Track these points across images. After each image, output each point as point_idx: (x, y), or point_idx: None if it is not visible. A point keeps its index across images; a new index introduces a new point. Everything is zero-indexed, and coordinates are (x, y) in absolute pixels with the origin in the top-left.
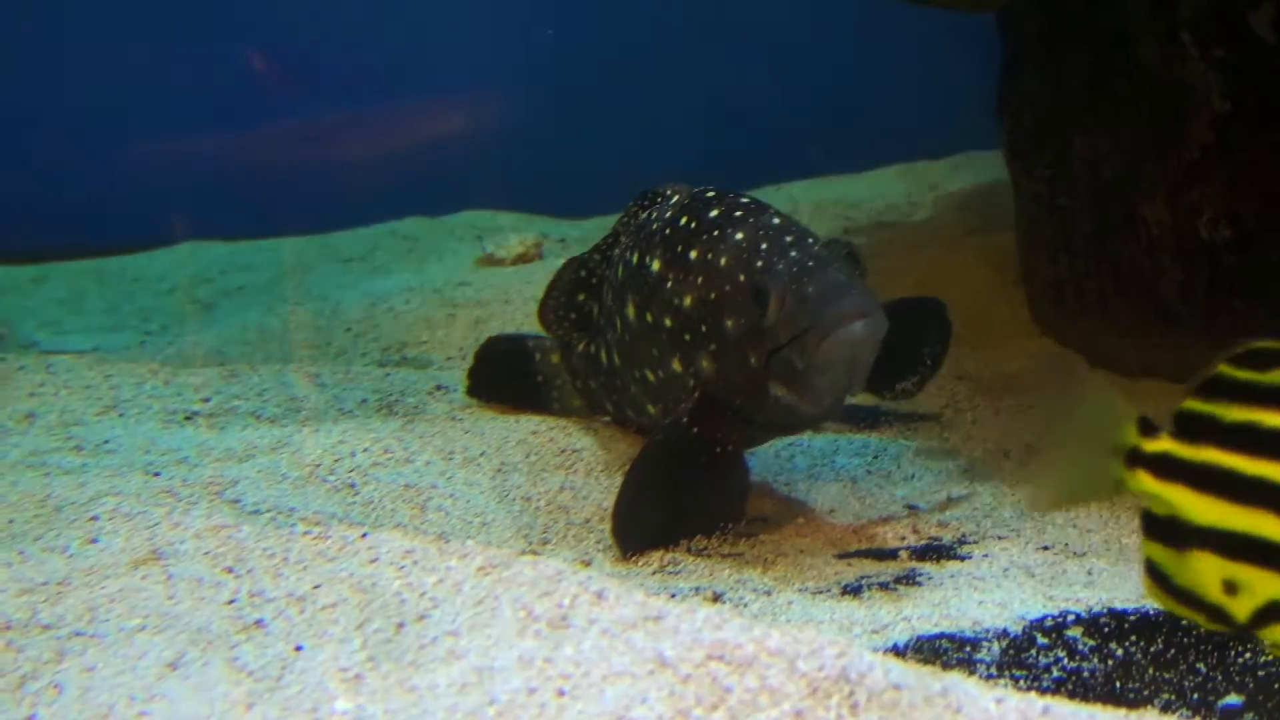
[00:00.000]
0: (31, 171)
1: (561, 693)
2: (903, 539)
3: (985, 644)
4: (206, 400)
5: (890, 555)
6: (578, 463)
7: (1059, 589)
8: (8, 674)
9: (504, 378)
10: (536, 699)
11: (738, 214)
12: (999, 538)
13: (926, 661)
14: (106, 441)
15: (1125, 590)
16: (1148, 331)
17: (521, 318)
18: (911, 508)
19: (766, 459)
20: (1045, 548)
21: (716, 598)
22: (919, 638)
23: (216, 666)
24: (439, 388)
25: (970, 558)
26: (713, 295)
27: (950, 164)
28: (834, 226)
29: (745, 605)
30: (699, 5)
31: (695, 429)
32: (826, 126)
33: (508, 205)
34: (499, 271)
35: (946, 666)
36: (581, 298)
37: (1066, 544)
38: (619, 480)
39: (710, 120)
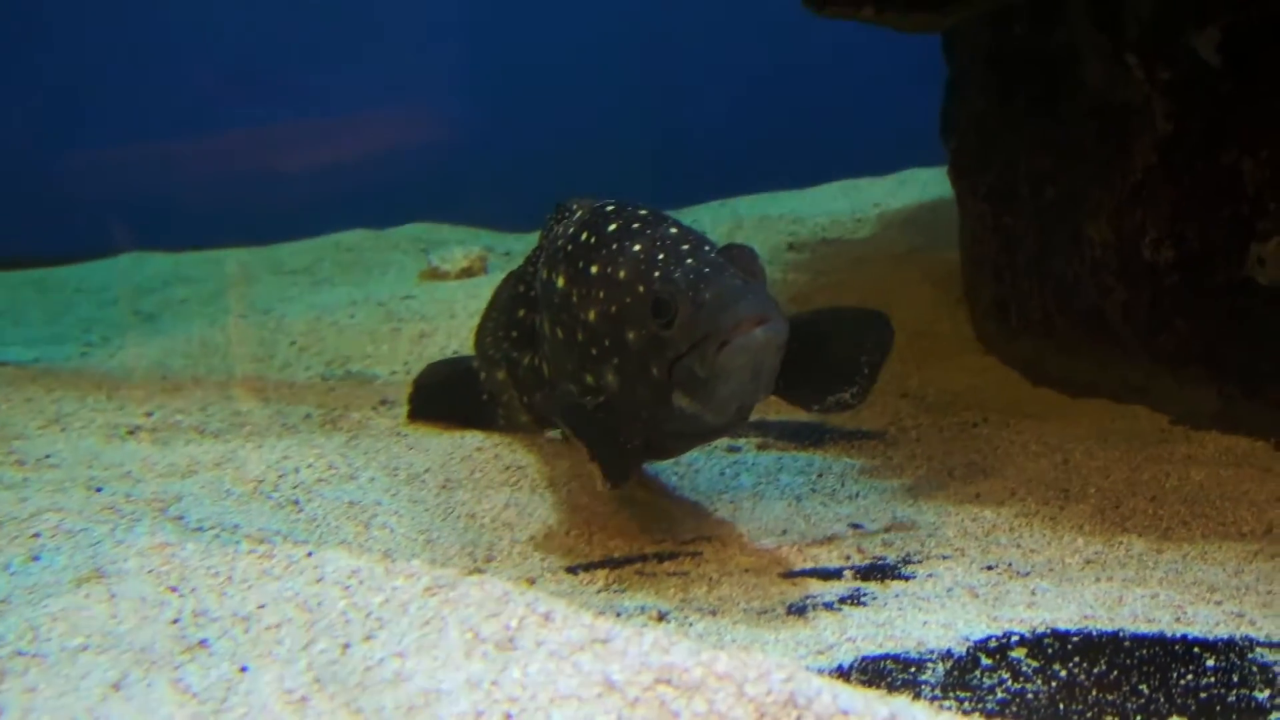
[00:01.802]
0: None
1: (509, 716)
2: (847, 558)
3: (930, 665)
4: (149, 415)
5: (835, 575)
6: (522, 479)
7: (1003, 609)
8: None
9: (445, 402)
10: None
11: (635, 226)
12: (943, 557)
13: (871, 683)
14: (48, 456)
15: (1068, 611)
16: (1090, 350)
17: (466, 332)
18: (856, 527)
19: (711, 476)
20: (989, 567)
21: (661, 617)
22: (864, 658)
23: (160, 688)
24: (383, 402)
25: (914, 577)
26: (614, 309)
27: (894, 181)
28: (778, 242)
29: (690, 625)
30: (646, 22)
31: (599, 411)
32: (771, 142)
33: (453, 218)
34: (444, 285)
35: (891, 688)
36: (521, 313)
37: (1010, 564)
38: (564, 497)
39: (655, 135)
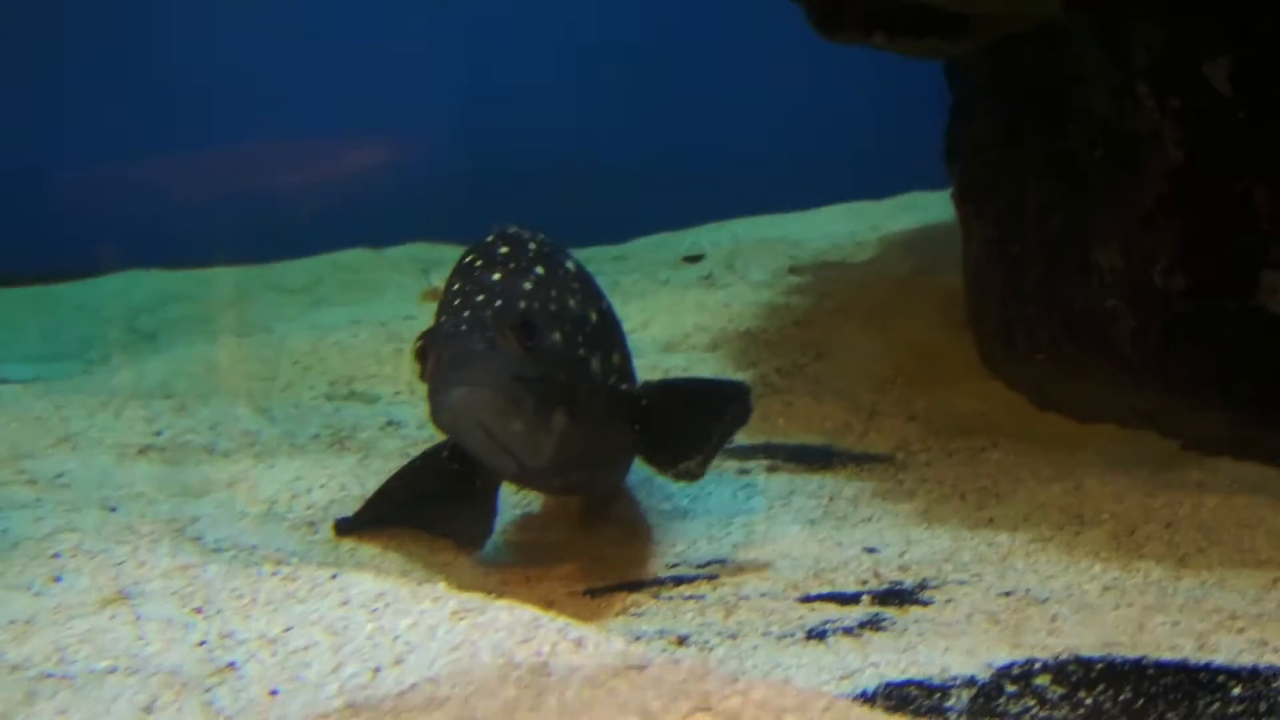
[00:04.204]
0: None
1: None
2: (864, 583)
3: (954, 691)
4: (159, 434)
5: (852, 599)
6: (534, 500)
7: (1024, 635)
8: None
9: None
10: None
11: (469, 262)
12: (960, 582)
13: (897, 709)
14: (60, 475)
15: (1090, 638)
16: (1098, 376)
17: None
18: (870, 551)
19: (723, 499)
20: (1007, 593)
21: (681, 641)
22: (887, 684)
23: (192, 711)
24: (390, 423)
25: (933, 603)
26: None
27: (894, 205)
28: (779, 264)
29: (711, 649)
30: (647, 44)
31: (452, 461)
32: (770, 165)
33: (451, 238)
34: None
35: (917, 714)
36: None
37: (1028, 589)
38: (576, 519)
39: (652, 157)
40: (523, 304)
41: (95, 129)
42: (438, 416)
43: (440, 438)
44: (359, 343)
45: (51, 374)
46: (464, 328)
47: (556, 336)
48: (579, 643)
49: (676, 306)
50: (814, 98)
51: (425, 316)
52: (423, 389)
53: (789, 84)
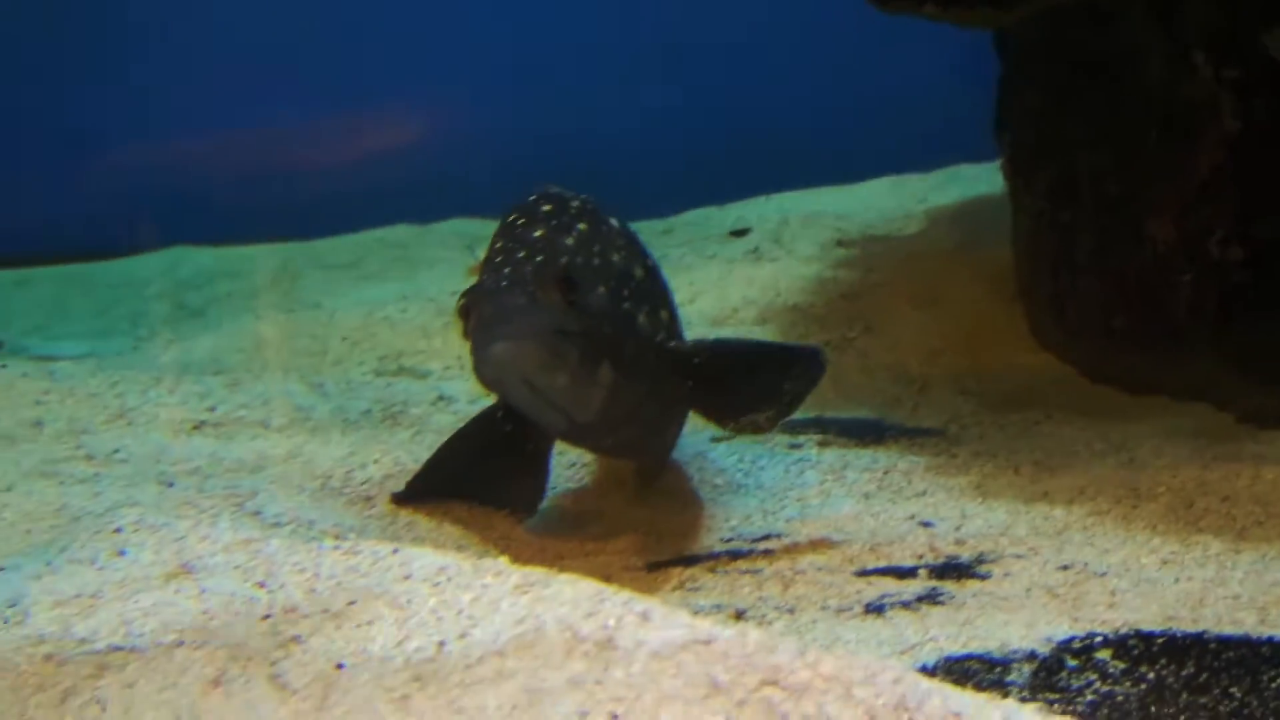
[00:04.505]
0: (12, 175)
1: (614, 716)
2: (920, 556)
3: (1015, 666)
4: (213, 409)
5: (910, 573)
6: (586, 476)
7: (1083, 610)
8: (49, 689)
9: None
10: None
11: (512, 220)
12: (1017, 556)
13: (958, 683)
14: (117, 450)
15: (1150, 612)
16: (1152, 348)
17: None
18: (926, 524)
19: (776, 473)
20: (1065, 567)
21: (739, 615)
22: (947, 658)
23: (260, 684)
24: (441, 398)
25: (990, 576)
26: None
27: (940, 178)
28: (827, 238)
29: (769, 624)
30: (688, 17)
31: (505, 422)
32: (817, 137)
33: (496, 214)
34: None
35: (978, 688)
36: None
37: (1086, 564)
38: (630, 493)
39: (701, 129)
40: (564, 259)
41: (140, 106)
42: (481, 372)
43: (488, 402)
44: (407, 318)
45: (103, 351)
46: (505, 284)
47: (601, 290)
48: (644, 616)
49: (724, 280)
50: (857, 70)
51: None
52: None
53: (832, 56)
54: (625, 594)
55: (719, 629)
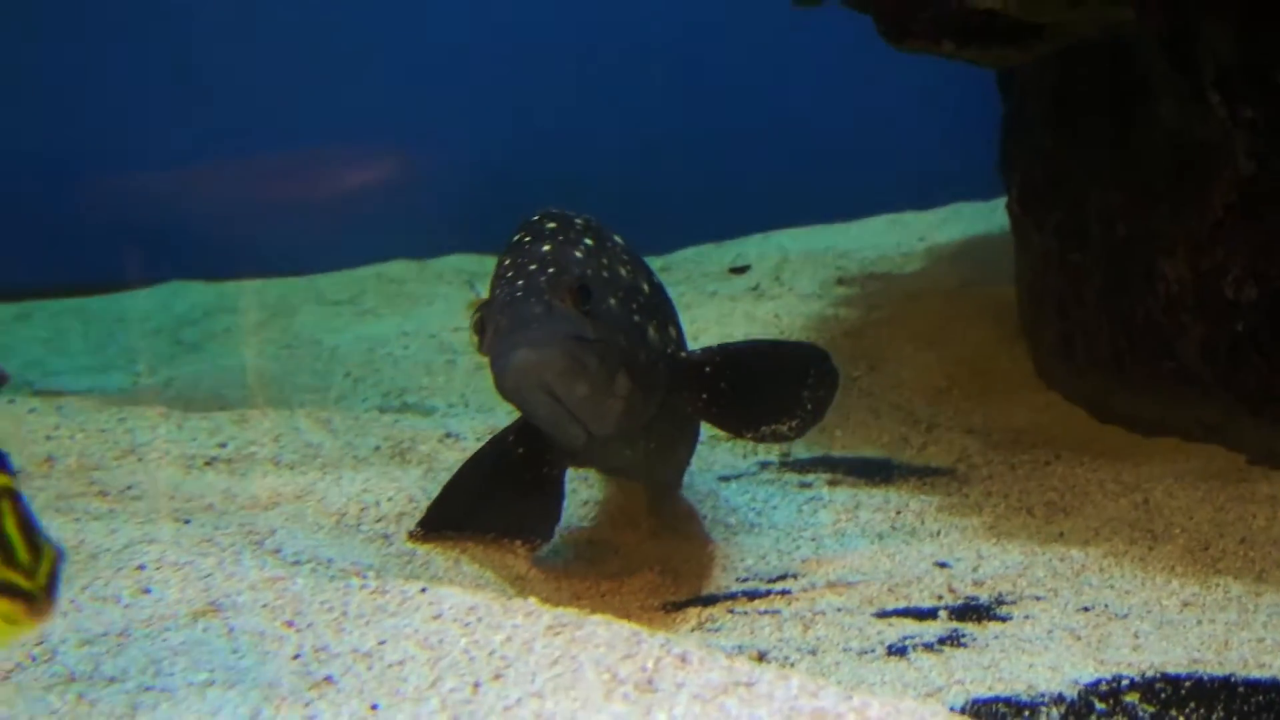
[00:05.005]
0: (10, 208)
1: None
2: (939, 598)
3: (1043, 709)
4: (223, 445)
5: (930, 614)
6: (601, 514)
7: (1107, 652)
8: None
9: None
10: None
11: (519, 239)
12: (1037, 598)
13: None
14: (129, 487)
15: (1175, 655)
16: (1161, 389)
17: None
18: (942, 565)
19: (789, 513)
20: (1085, 609)
21: (761, 657)
22: (974, 701)
23: None
24: (449, 435)
25: (1011, 618)
26: None
27: (939, 215)
28: (827, 276)
29: (792, 665)
30: (689, 55)
31: (518, 445)
32: (816, 174)
33: (495, 249)
34: None
35: None
36: None
37: (1106, 605)
38: (644, 531)
39: (699, 165)
40: (577, 270)
41: (136, 140)
42: (502, 383)
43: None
44: (410, 354)
45: (102, 386)
46: (520, 294)
47: (612, 301)
48: (683, 658)
49: (726, 318)
50: (858, 107)
51: None
52: (478, 401)
53: (833, 94)
54: (661, 635)
55: (759, 671)
